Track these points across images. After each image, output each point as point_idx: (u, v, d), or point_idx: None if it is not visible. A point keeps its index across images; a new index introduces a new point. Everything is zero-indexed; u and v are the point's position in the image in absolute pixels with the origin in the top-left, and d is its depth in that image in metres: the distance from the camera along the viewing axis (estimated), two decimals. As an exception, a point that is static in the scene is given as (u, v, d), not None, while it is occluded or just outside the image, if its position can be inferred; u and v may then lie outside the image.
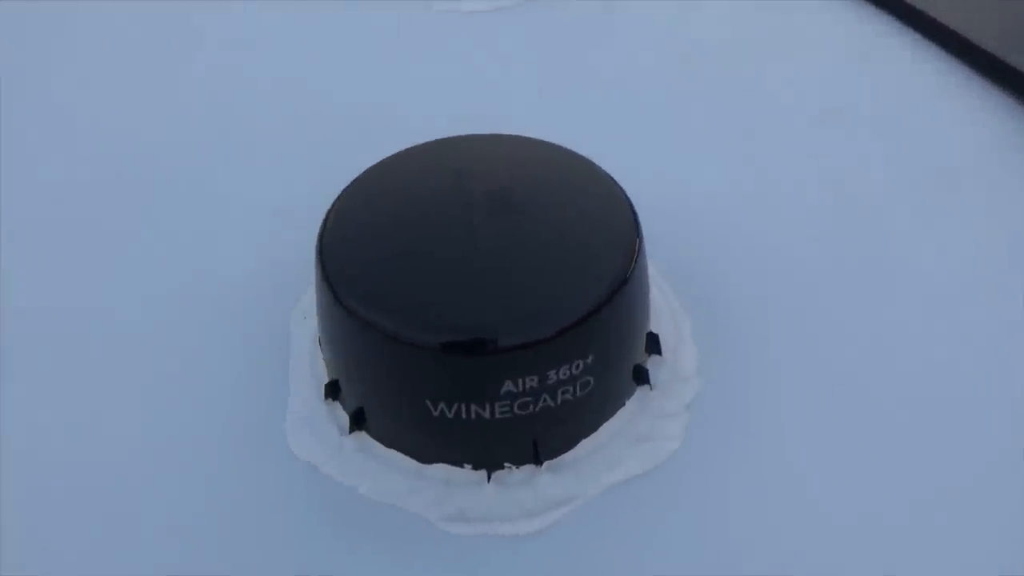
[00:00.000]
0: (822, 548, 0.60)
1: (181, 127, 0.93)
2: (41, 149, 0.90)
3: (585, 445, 0.65)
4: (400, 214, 0.65)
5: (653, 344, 0.69)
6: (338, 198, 0.66)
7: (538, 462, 0.63)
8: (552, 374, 0.59)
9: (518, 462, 0.63)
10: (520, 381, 0.58)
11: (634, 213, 0.66)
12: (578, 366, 0.60)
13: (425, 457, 0.64)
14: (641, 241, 0.65)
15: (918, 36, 1.01)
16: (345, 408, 0.66)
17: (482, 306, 0.59)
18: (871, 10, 1.05)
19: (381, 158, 0.69)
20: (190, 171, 0.88)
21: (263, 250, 0.77)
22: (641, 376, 0.67)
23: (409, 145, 0.70)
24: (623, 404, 0.66)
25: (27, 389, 0.70)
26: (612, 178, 0.68)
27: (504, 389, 0.58)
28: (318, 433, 0.65)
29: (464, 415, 0.59)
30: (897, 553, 0.60)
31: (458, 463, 0.63)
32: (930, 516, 0.62)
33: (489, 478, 0.63)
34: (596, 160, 0.69)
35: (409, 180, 0.67)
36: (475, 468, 0.63)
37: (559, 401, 0.60)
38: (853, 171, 0.88)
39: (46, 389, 0.70)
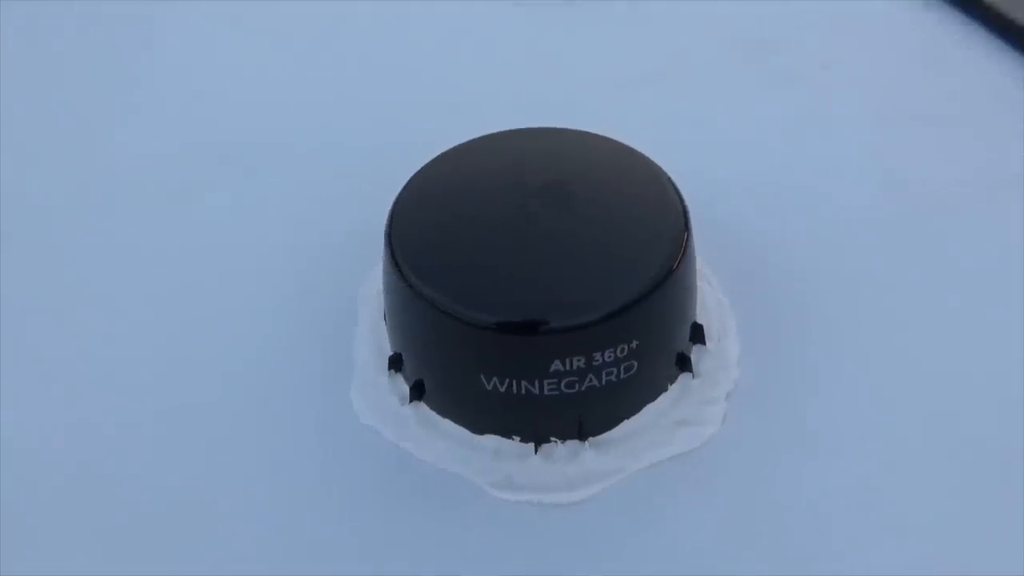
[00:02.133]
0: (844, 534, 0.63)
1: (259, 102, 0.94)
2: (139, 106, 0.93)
3: (628, 425, 0.69)
4: (463, 201, 0.69)
5: (697, 334, 0.73)
6: (408, 182, 0.70)
7: (582, 438, 0.68)
8: (598, 356, 0.63)
9: (563, 437, 0.68)
10: (568, 361, 0.63)
11: (684, 209, 0.69)
12: (623, 350, 0.64)
13: (478, 428, 0.69)
14: (689, 236, 0.68)
15: (993, 36, 0.99)
16: (406, 380, 0.71)
17: (535, 290, 0.64)
18: (946, 10, 1.03)
19: (449, 146, 0.73)
20: (258, 144, 0.90)
21: (334, 227, 0.82)
22: (684, 363, 0.71)
23: (472, 133, 0.74)
24: (665, 389, 0.70)
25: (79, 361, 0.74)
26: (666, 174, 0.71)
27: (553, 368, 0.63)
28: (380, 401, 0.71)
29: (515, 390, 0.64)
30: (936, 554, 0.60)
31: (508, 435, 0.68)
32: (980, 521, 0.60)
33: (536, 450, 0.67)
34: (652, 155, 0.73)
35: (472, 169, 0.72)
36: (523, 440, 0.68)
37: (603, 382, 0.65)
38: (917, 173, 0.88)
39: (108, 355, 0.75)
